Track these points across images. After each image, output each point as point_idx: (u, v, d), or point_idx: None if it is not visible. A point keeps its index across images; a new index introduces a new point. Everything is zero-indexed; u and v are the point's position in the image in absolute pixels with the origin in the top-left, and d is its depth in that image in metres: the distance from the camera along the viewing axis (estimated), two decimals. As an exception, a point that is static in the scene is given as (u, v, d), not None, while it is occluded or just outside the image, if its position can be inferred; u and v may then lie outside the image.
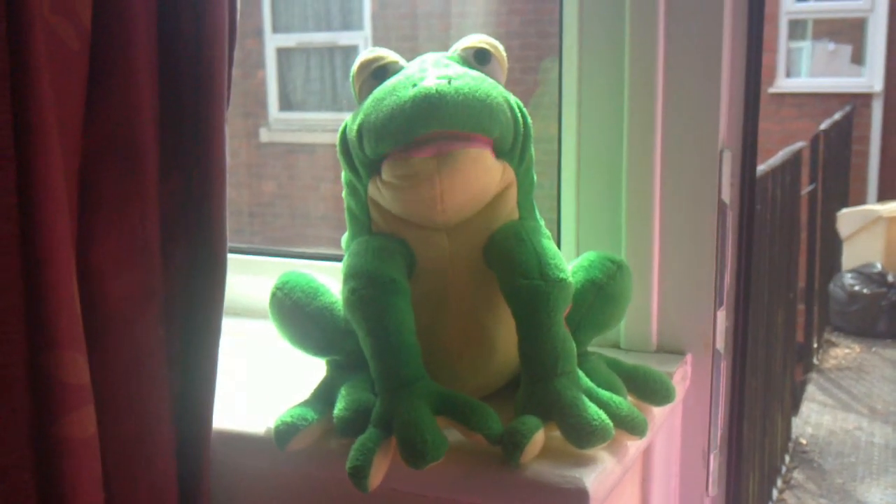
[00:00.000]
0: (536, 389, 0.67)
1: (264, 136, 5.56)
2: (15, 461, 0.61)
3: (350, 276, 0.70)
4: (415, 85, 0.66)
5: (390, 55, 0.72)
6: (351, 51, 5.44)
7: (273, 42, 5.59)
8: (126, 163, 0.66)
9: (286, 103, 5.65)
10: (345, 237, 0.77)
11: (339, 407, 0.69)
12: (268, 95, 5.61)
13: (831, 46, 5.91)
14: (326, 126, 5.46)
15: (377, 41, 5.32)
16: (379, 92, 0.69)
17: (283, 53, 5.61)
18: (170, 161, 0.70)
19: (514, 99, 0.71)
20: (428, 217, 0.69)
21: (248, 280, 1.06)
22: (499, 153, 0.69)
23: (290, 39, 5.62)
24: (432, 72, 0.68)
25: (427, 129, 0.65)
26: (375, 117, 0.67)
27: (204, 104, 0.69)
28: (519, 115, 0.70)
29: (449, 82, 0.65)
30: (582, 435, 0.64)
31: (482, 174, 0.68)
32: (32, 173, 0.58)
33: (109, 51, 0.65)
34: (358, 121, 0.69)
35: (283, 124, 5.57)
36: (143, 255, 0.68)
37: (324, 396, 0.73)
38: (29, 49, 0.58)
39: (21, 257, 0.59)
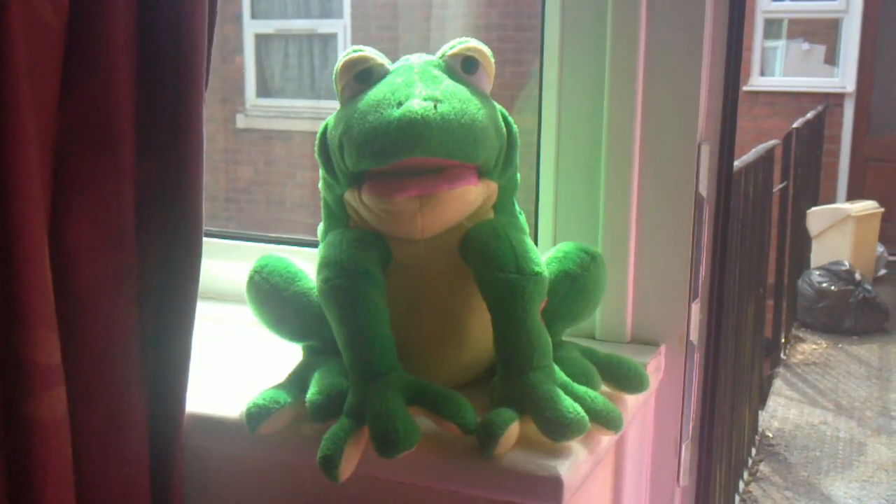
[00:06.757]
0: (512, 383, 0.67)
1: (241, 122, 5.51)
2: (-16, 442, 0.60)
3: (324, 265, 0.69)
4: (400, 103, 0.65)
5: (376, 57, 0.71)
6: (330, 39, 5.41)
7: (251, 28, 5.54)
8: (101, 142, 0.65)
9: (264, 90, 5.60)
10: (321, 227, 0.76)
11: (311, 391, 0.69)
12: (245, 81, 5.56)
13: (805, 46, 5.97)
14: (304, 113, 5.42)
15: (356, 30, 5.29)
16: (363, 104, 0.67)
17: (261, 40, 5.56)
18: (146, 142, 0.69)
19: (499, 110, 0.71)
20: (407, 237, 0.70)
21: (223, 265, 1.05)
22: (482, 174, 0.69)
23: (268, 26, 5.57)
24: (419, 88, 0.66)
25: (410, 154, 0.64)
26: (358, 132, 0.66)
27: (182, 85, 0.68)
28: (504, 127, 0.70)
29: (435, 107, 0.64)
30: (557, 428, 0.64)
31: (465, 208, 0.69)
32: (3, 148, 0.57)
33: (87, 28, 0.64)
34: (340, 129, 0.68)
35: (260, 111, 5.52)
36: (118, 236, 0.67)
37: (298, 381, 0.73)
38: (4, 22, 0.57)
39: (-7, 235, 0.58)
